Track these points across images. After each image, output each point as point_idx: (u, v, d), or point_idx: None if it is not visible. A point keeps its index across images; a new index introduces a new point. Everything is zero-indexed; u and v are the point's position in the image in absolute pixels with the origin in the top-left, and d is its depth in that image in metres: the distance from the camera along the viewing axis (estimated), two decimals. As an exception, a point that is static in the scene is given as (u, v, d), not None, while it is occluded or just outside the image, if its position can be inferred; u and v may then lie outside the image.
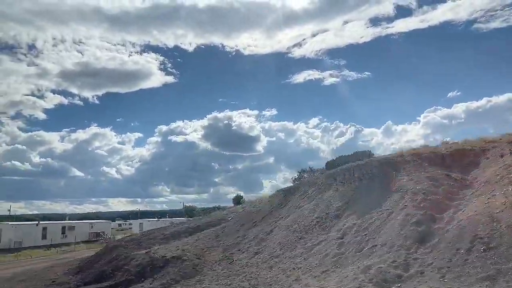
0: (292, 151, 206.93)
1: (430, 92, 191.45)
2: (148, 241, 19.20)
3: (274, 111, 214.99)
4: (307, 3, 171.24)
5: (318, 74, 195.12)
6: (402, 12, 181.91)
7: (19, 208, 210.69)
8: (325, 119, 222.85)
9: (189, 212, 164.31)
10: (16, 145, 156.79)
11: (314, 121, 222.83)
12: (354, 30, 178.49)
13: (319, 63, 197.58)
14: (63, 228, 43.67)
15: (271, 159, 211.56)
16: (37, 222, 41.19)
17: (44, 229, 41.17)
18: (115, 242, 24.06)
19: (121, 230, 76.14)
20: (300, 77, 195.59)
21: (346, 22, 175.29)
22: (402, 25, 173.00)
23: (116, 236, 50.91)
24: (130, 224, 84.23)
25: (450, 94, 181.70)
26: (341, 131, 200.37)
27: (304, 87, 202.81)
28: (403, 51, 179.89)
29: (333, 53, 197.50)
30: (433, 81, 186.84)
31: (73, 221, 49.14)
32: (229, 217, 17.85)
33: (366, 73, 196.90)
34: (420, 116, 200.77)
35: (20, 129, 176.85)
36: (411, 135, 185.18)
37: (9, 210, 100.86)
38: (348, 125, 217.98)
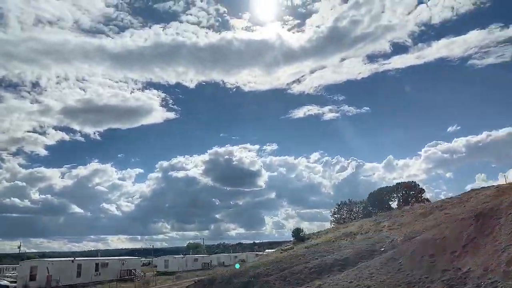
0: (294, 186, 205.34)
1: (430, 127, 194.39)
2: (293, 276, 16.88)
3: (274, 146, 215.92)
4: (304, 41, 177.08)
5: (318, 109, 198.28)
6: (398, 49, 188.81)
7: (16, 246, 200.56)
8: (326, 154, 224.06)
9: (193, 249, 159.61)
10: (16, 181, 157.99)
11: (315, 155, 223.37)
12: (351, 66, 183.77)
13: (318, 99, 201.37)
14: (97, 265, 41.40)
15: (273, 194, 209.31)
16: (72, 258, 38.97)
17: (79, 266, 38.97)
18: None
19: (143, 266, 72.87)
20: (300, 112, 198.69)
21: (343, 59, 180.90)
22: (399, 61, 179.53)
23: (146, 273, 48.36)
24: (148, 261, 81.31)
25: (450, 129, 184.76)
26: (342, 166, 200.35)
27: (304, 122, 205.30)
28: (400, 86, 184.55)
29: (332, 88, 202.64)
30: (432, 116, 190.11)
31: (106, 258, 46.70)
32: (382, 248, 16.42)
33: (365, 108, 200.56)
34: (421, 151, 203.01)
35: (20, 165, 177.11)
36: (412, 169, 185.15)
37: (19, 248, 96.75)
38: (349, 160, 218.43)
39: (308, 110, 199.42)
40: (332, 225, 44.26)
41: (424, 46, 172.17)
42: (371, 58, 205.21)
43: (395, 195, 44.24)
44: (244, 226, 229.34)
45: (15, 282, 38.93)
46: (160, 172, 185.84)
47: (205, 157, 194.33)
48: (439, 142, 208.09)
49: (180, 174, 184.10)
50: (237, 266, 26.49)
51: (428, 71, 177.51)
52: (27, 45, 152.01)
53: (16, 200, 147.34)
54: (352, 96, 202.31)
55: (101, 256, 49.40)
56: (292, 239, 31.59)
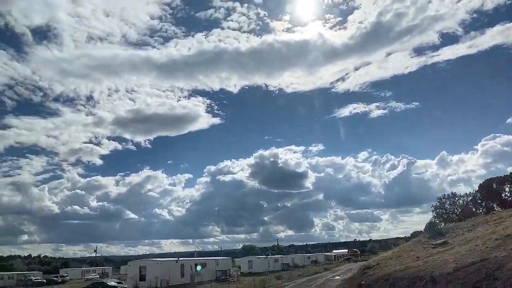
0: (342, 186, 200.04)
1: (486, 119, 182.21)
2: None
3: (320, 146, 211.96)
4: (347, 38, 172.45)
5: (364, 107, 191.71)
6: (448, 39, 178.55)
7: (78, 251, 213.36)
8: (374, 152, 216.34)
9: (248, 251, 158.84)
10: (76, 190, 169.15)
11: (363, 154, 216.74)
12: (398, 60, 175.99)
13: (364, 96, 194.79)
14: (196, 265, 40.66)
15: (321, 196, 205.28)
16: (176, 259, 38.52)
17: (182, 266, 38.39)
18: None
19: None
20: (345, 111, 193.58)
21: (389, 54, 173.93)
22: (449, 52, 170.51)
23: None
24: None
25: (509, 120, 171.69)
26: (393, 164, 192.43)
27: (351, 120, 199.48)
28: (451, 79, 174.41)
29: (378, 85, 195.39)
30: (488, 107, 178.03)
31: (203, 258, 46.18)
32: None
33: (414, 103, 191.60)
34: (477, 145, 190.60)
35: (79, 175, 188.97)
36: (469, 165, 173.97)
37: (95, 251, 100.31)
38: (400, 157, 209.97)
39: (354, 108, 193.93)
40: (437, 220, 40.80)
41: (477, 34, 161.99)
42: (419, 50, 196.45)
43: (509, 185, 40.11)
44: (293, 228, 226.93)
45: (120, 282, 39.06)
46: (208, 176, 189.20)
47: (251, 160, 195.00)
48: (497, 134, 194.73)
49: (228, 177, 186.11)
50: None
51: (481, 60, 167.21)
52: (81, 62, 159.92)
53: (77, 208, 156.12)
54: (400, 91, 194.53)
55: (197, 257, 48.86)
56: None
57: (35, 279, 61.34)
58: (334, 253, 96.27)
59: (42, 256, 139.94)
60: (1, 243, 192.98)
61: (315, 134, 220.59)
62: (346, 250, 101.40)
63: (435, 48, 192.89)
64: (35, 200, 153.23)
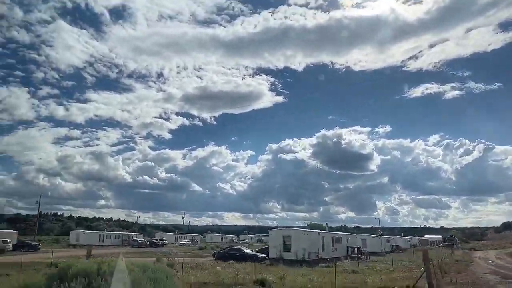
0: (409, 170, 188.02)
1: None
2: None
3: (388, 128, 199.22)
4: (423, 13, 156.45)
5: (438, 87, 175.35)
6: None
7: (148, 218, 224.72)
8: (447, 136, 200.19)
9: (316, 229, 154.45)
10: (147, 162, 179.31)
11: (434, 138, 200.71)
12: (479, 37, 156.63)
13: (439, 76, 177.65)
14: (332, 239, 37.00)
15: (385, 179, 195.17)
16: (318, 231, 35.12)
17: (323, 239, 34.76)
18: None
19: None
20: (417, 91, 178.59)
21: (469, 30, 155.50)
22: None
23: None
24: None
25: None
26: (467, 149, 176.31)
27: (422, 101, 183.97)
28: None
29: (455, 64, 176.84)
30: None
31: (338, 233, 42.68)
32: None
33: (497, 84, 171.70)
34: None
35: (150, 147, 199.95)
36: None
37: (183, 218, 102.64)
38: (476, 143, 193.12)
39: (427, 89, 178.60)
40: None
41: None
42: (505, 26, 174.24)
43: None
44: (354, 210, 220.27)
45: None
46: (270, 154, 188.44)
47: (313, 140, 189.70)
48: None
49: (289, 156, 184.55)
50: None
51: None
52: (152, 40, 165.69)
53: (147, 178, 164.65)
54: (480, 71, 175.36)
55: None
56: None
57: (140, 240, 62.16)
58: (428, 238, 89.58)
59: (118, 219, 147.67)
60: (83, 206, 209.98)
61: (383, 115, 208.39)
62: (441, 236, 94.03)
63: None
64: (111, 169, 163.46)
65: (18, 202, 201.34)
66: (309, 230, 37.08)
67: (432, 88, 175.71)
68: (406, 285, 15.87)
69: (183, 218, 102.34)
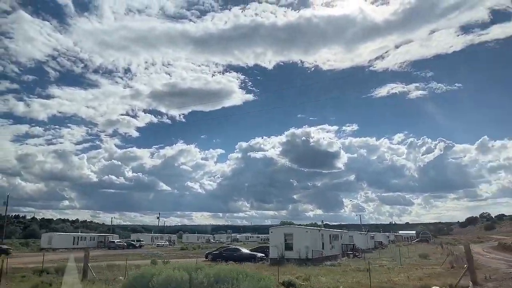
0: (375, 168, 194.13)
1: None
2: None
3: (355, 127, 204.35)
4: (389, 14, 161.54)
5: (403, 87, 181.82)
6: (499, 17, 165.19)
7: (114, 218, 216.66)
8: (411, 135, 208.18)
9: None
10: (113, 160, 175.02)
11: (399, 136, 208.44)
12: (442, 39, 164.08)
13: (404, 76, 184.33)
14: (330, 237, 36.42)
15: (352, 177, 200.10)
16: (319, 228, 34.22)
17: (322, 236, 34.04)
18: None
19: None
20: (383, 91, 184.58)
21: (433, 32, 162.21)
22: (499, 31, 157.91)
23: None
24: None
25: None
26: (429, 147, 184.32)
27: (388, 101, 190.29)
28: (500, 60, 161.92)
29: (419, 64, 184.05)
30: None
31: (333, 230, 41.97)
32: None
33: (457, 84, 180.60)
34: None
35: (116, 146, 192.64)
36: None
37: (158, 218, 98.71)
38: (437, 141, 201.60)
39: (392, 88, 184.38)
40: None
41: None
42: (466, 29, 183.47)
43: None
44: (322, 207, 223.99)
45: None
46: (240, 152, 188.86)
47: (283, 138, 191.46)
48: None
49: (259, 154, 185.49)
50: None
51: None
52: (120, 34, 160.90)
53: (113, 177, 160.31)
54: (442, 71, 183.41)
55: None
56: None
57: (117, 242, 58.89)
58: (402, 234, 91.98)
59: (84, 221, 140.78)
60: (45, 207, 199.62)
61: (350, 114, 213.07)
62: (414, 232, 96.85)
63: (484, 26, 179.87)
64: (75, 168, 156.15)
65: None
66: (311, 227, 36.14)
67: (397, 87, 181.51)
68: (449, 283, 15.23)
69: (158, 218, 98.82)
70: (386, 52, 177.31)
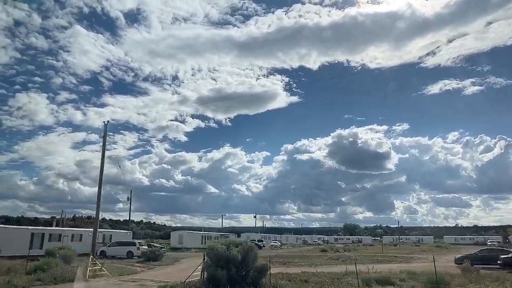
0: (428, 169, 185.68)
1: None
2: None
3: (405, 126, 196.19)
4: (440, 7, 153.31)
5: (457, 83, 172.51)
6: None
7: (165, 220, 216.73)
8: (467, 133, 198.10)
9: (351, 230, 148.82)
10: (163, 165, 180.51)
11: (454, 135, 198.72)
12: (500, 30, 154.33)
13: (458, 71, 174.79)
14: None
15: (403, 178, 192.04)
16: None
17: None
18: None
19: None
20: (435, 88, 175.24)
21: (489, 23, 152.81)
22: None
23: None
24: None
25: None
26: (488, 146, 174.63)
27: (441, 98, 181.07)
28: None
29: (475, 58, 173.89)
30: None
31: None
32: None
33: None
34: None
35: (166, 150, 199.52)
36: None
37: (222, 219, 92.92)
38: (497, 139, 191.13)
39: (445, 85, 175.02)
40: None
41: None
42: None
43: None
44: (372, 209, 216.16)
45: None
46: (286, 154, 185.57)
47: (329, 139, 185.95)
48: None
49: (305, 156, 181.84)
50: None
51: None
52: (167, 42, 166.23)
53: (163, 181, 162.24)
54: (501, 65, 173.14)
55: None
56: None
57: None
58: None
59: (148, 222, 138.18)
60: (102, 209, 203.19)
61: (400, 113, 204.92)
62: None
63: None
64: (128, 173, 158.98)
65: (39, 206, 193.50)
66: None
67: (450, 84, 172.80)
68: None
69: (221, 219, 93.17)
70: (437, 48, 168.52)
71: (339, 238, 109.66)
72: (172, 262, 29.40)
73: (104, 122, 28.07)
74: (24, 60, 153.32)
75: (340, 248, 53.01)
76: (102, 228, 49.01)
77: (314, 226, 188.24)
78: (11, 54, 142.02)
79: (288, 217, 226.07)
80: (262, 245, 56.53)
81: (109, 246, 35.32)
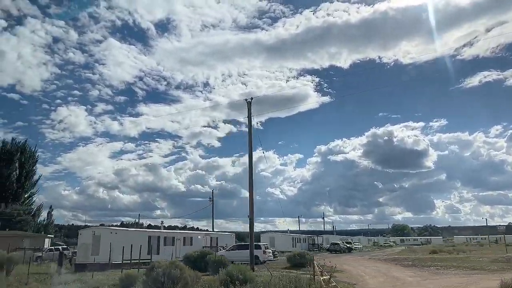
0: (469, 166, 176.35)
1: None
2: None
3: (443, 122, 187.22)
4: None
5: (498, 74, 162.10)
6: None
7: (202, 226, 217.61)
8: (511, 126, 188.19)
9: (400, 231, 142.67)
10: (197, 170, 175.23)
11: (496, 129, 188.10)
12: None
13: (498, 62, 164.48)
14: None
15: (443, 176, 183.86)
16: None
17: None
18: None
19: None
20: (474, 80, 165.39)
21: None
22: None
23: None
24: None
25: None
26: None
27: (480, 91, 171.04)
28: None
29: None
30: None
31: None
32: None
33: None
34: None
35: (200, 156, 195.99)
36: None
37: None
38: None
39: (485, 77, 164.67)
40: None
41: None
42: None
43: None
44: (411, 210, 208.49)
45: None
46: (319, 156, 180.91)
47: (363, 139, 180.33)
48: None
49: (339, 157, 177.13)
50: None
51: None
52: (197, 50, 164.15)
53: (199, 186, 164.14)
54: None
55: None
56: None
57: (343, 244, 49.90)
58: None
59: (192, 227, 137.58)
60: (141, 216, 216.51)
61: (437, 109, 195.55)
62: None
63: None
64: (164, 180, 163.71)
65: (82, 215, 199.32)
66: None
67: (491, 75, 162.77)
68: None
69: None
70: (475, 38, 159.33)
71: (388, 239, 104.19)
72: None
73: (246, 100, 24.91)
74: (63, 75, 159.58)
75: (448, 249, 48.39)
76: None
77: (352, 228, 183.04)
78: (51, 70, 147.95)
79: (324, 219, 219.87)
80: (352, 247, 52.42)
81: (228, 250, 31.99)
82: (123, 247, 26.31)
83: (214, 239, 37.18)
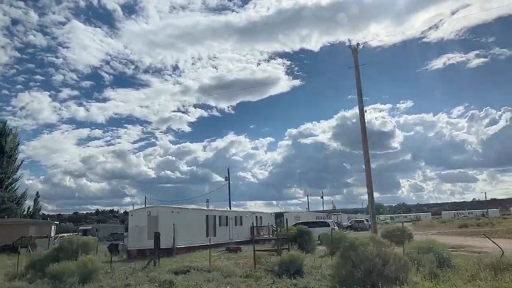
0: (433, 145, 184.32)
1: None
2: None
3: (409, 103, 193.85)
4: None
5: (461, 57, 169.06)
6: None
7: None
8: (472, 107, 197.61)
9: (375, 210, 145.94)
10: (168, 156, 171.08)
11: (459, 109, 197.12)
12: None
13: (461, 44, 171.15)
14: None
15: (408, 156, 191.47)
16: None
17: None
18: None
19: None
20: (438, 63, 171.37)
21: None
22: None
23: None
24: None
25: None
26: (493, 119, 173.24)
27: (444, 73, 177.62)
28: None
29: (479, 30, 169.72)
30: None
31: None
32: None
33: None
34: None
35: (170, 142, 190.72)
36: None
37: None
38: (501, 111, 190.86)
39: (449, 59, 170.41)
40: None
41: None
42: None
43: None
44: (378, 189, 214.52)
45: None
46: (290, 139, 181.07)
47: (333, 121, 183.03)
48: None
49: (309, 140, 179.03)
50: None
51: None
52: (166, 32, 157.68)
53: (169, 172, 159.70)
54: (506, 35, 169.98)
55: None
56: None
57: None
58: None
59: None
60: (110, 204, 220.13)
61: (404, 90, 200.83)
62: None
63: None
64: (134, 166, 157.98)
65: (47, 205, 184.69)
66: None
67: (454, 57, 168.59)
68: None
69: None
70: (440, 21, 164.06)
71: (395, 217, 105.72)
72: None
73: (351, 46, 21.33)
74: (24, 58, 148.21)
75: (471, 222, 47.90)
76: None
77: (321, 209, 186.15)
78: (10, 53, 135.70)
79: (294, 201, 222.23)
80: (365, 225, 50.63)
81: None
82: (185, 229, 21.80)
83: (259, 218, 33.29)
